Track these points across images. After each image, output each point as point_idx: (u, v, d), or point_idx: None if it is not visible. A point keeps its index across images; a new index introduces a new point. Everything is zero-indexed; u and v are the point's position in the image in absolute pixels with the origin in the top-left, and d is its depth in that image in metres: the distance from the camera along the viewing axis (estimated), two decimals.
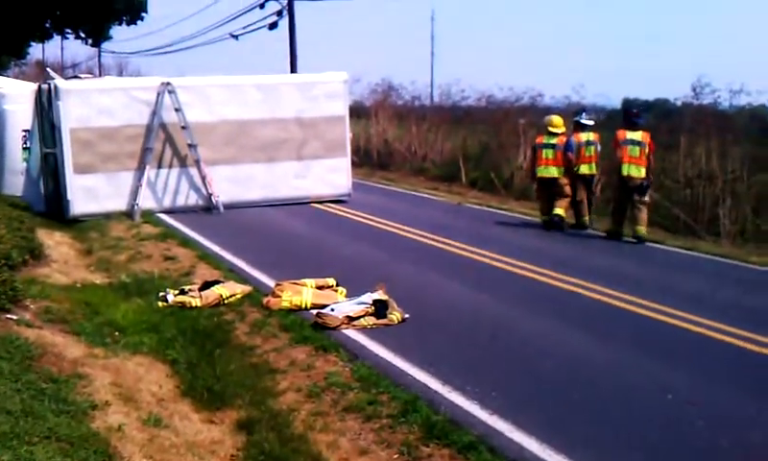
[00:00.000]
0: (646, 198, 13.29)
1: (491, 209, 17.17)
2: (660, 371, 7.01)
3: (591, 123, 14.69)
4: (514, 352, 7.50)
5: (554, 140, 14.16)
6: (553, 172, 14.08)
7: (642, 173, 13.17)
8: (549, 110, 23.79)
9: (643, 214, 13.19)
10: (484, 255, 11.65)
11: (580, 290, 9.73)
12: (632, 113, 13.99)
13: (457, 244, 12.44)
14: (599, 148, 14.25)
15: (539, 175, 14.33)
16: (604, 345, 7.76)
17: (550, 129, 14.32)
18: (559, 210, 14.00)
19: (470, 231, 13.88)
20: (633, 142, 13.20)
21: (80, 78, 18.50)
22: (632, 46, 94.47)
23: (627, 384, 6.68)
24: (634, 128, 13.39)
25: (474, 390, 6.38)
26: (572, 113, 15.93)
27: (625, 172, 13.17)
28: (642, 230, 13.11)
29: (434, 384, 6.54)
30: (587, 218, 14.26)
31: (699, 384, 6.73)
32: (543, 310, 8.95)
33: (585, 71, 75.82)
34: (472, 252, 11.92)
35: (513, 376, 6.84)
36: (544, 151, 14.19)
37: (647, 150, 13.24)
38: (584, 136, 14.25)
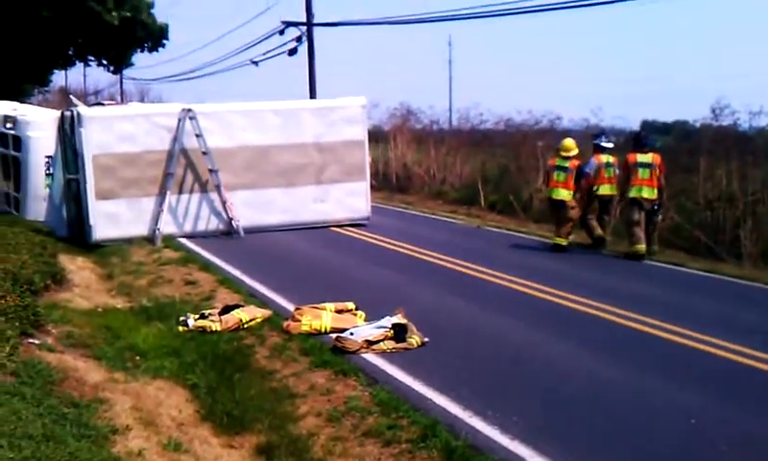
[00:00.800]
0: (658, 218, 13.88)
1: (510, 232, 17.14)
2: (683, 395, 6.94)
3: (611, 145, 14.85)
4: (535, 377, 7.45)
5: (566, 164, 14.32)
6: (562, 194, 14.24)
7: (655, 194, 13.64)
8: (568, 133, 23.78)
9: (654, 235, 13.80)
10: (503, 278, 11.62)
11: (600, 313, 9.67)
12: (642, 136, 14.36)
13: (477, 267, 12.42)
14: (617, 171, 14.35)
15: (549, 196, 14.64)
16: (625, 369, 7.69)
17: (562, 153, 14.49)
18: (560, 240, 14.22)
19: (490, 254, 13.87)
20: (643, 165, 13.63)
21: (103, 105, 18.70)
22: (650, 69, 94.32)
23: (649, 409, 6.61)
24: (643, 150, 13.79)
25: (495, 415, 6.34)
26: (591, 136, 16.06)
27: (636, 194, 13.61)
28: (656, 248, 13.80)
29: (454, 409, 6.52)
30: (599, 232, 14.35)
31: (722, 408, 6.65)
32: (564, 333, 8.90)
33: (603, 94, 75.78)
34: (492, 275, 11.90)
35: (534, 401, 6.79)
36: (555, 173, 14.41)
37: (658, 171, 13.64)
38: (604, 158, 14.45)
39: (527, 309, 10.07)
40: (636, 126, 25.15)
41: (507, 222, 19.09)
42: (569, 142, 14.66)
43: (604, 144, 14.63)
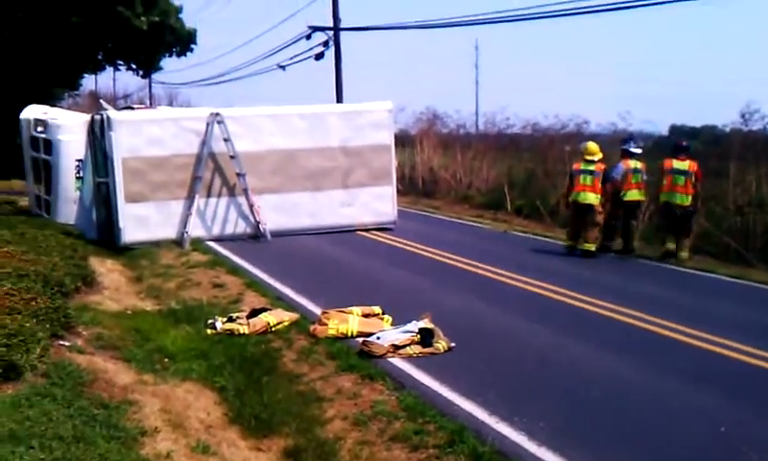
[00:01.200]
0: (690, 224, 13.95)
1: (536, 237, 17.08)
2: (712, 402, 6.88)
3: (639, 151, 14.87)
4: (562, 382, 7.42)
5: (592, 167, 14.25)
6: (590, 198, 14.12)
7: (688, 201, 13.70)
8: (595, 137, 23.65)
9: (684, 241, 13.82)
10: (530, 283, 11.59)
11: (628, 319, 9.61)
12: (679, 144, 14.41)
13: (503, 272, 12.39)
14: (645, 176, 14.45)
15: (575, 200, 14.35)
16: (654, 375, 7.63)
17: (587, 157, 14.41)
18: (589, 245, 14.11)
19: (516, 259, 13.83)
20: (678, 172, 13.73)
21: (133, 108, 18.91)
22: (678, 72, 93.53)
23: (679, 416, 6.56)
24: (680, 158, 13.85)
25: (522, 420, 6.32)
26: (620, 141, 16.06)
27: (667, 198, 13.80)
28: (685, 255, 13.71)
29: (481, 414, 6.51)
30: (635, 243, 14.49)
31: (750, 416, 6.59)
32: (591, 339, 8.85)
33: (631, 98, 75.06)
34: (518, 280, 11.87)
35: (561, 407, 6.76)
36: (582, 177, 14.27)
37: (693, 179, 13.68)
38: (632, 163, 14.49)
39: (553, 313, 10.03)
40: (664, 130, 25.01)
41: (533, 227, 19.03)
42: (593, 146, 14.58)
43: (632, 149, 14.67)
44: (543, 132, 24.96)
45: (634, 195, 14.39)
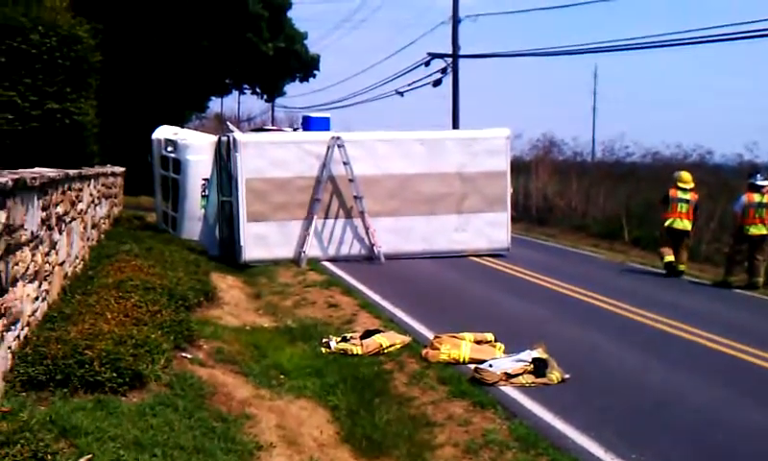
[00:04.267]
0: None
1: (655, 269, 16.56)
2: None
3: (766, 183, 14.40)
4: (682, 422, 7.15)
5: (687, 196, 15.21)
6: (687, 225, 15.17)
7: None
8: (719, 168, 23.01)
9: None
10: (648, 317, 11.25)
11: (754, 359, 9.20)
12: None
13: (620, 304, 12.08)
14: None
15: (673, 226, 15.16)
16: None
17: (680, 184, 15.23)
18: (683, 266, 15.30)
19: (634, 291, 13.46)
20: None
21: (265, 130, 19.52)
22: None
23: None
24: None
25: (640, 459, 6.14)
26: (746, 174, 15.85)
27: None
28: None
29: (596, 450, 6.36)
30: (760, 279, 14.25)
31: None
32: (714, 379, 8.51)
33: (757, 128, 71.93)
34: (636, 312, 11.54)
35: (681, 449, 6.51)
36: (679, 205, 15.19)
37: None
38: (756, 197, 14.35)
39: (674, 350, 9.69)
40: None
41: (651, 258, 18.42)
42: (686, 175, 15.51)
43: (759, 183, 14.49)
44: (665, 161, 24.27)
45: (758, 229, 14.19)
